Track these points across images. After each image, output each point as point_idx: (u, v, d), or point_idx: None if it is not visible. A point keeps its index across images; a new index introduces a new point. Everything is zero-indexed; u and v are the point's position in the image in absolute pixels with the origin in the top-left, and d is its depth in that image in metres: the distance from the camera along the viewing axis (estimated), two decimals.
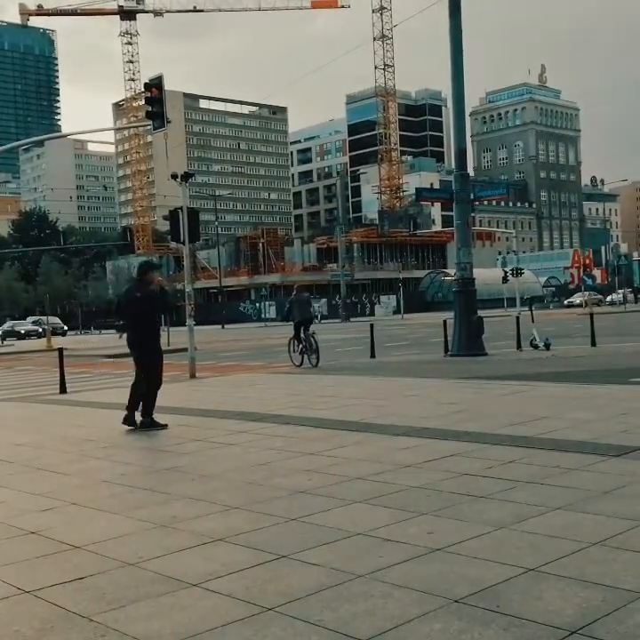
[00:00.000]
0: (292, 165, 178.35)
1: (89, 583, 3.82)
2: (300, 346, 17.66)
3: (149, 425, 8.96)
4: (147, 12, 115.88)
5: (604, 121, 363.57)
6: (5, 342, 29.09)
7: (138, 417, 9.07)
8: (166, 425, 8.97)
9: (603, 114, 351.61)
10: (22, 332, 60.12)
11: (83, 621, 3.34)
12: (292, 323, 18.01)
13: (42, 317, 60.91)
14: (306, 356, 17.53)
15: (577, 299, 62.28)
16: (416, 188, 26.27)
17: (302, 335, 17.61)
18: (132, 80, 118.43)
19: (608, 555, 3.79)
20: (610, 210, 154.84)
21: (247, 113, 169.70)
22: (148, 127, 22.34)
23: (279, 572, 3.82)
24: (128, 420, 9.06)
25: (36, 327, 61.52)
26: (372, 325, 21.38)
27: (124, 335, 9.79)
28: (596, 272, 72.29)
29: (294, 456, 6.80)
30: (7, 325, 60.27)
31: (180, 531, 4.65)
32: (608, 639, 2.88)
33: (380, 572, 3.71)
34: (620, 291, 58.80)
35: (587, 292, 56.88)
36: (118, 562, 4.11)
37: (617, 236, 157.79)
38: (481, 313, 19.00)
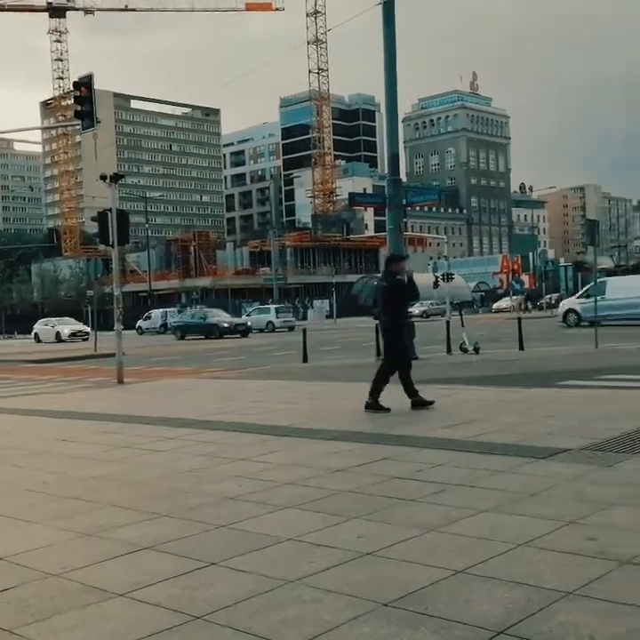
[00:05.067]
0: (225, 168, 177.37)
1: (11, 595, 3.70)
2: None
3: (375, 407, 9.15)
4: (76, 9, 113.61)
5: (533, 129, 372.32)
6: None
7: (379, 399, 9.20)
8: (389, 409, 9.08)
9: (532, 123, 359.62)
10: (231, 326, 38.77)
11: (4, 635, 3.23)
12: None
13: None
14: None
15: (504, 303, 63.42)
16: (349, 193, 26.40)
17: None
18: (61, 78, 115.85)
19: (534, 555, 3.85)
20: (538, 216, 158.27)
21: (180, 114, 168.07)
22: (77, 127, 21.91)
23: (208, 579, 3.76)
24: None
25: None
26: (305, 330, 21.39)
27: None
28: (525, 277, 73.67)
29: (224, 462, 6.74)
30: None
31: (106, 539, 4.55)
32: (533, 639, 2.92)
33: (311, 578, 3.69)
34: (548, 295, 59.95)
35: (516, 297, 57.96)
36: (41, 573, 3.99)
37: (545, 242, 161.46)
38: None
